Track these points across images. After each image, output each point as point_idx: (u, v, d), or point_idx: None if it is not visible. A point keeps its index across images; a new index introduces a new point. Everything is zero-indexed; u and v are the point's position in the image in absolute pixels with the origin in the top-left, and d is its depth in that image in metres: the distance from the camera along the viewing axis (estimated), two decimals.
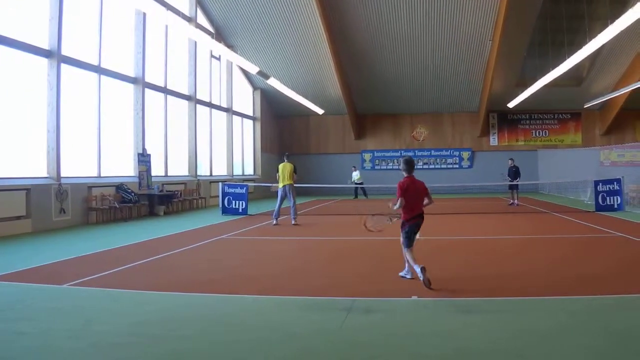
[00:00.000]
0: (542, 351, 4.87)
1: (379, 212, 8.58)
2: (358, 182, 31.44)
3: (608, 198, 19.45)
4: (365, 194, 32.08)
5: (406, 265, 7.94)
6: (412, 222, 7.91)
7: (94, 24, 18.77)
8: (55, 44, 16.28)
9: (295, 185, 16.89)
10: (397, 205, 7.79)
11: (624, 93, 29.52)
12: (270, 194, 33.21)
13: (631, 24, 15.34)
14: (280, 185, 16.58)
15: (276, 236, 14.16)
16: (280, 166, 16.70)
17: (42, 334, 5.51)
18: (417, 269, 7.43)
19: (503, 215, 19.54)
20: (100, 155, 18.97)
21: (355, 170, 32.34)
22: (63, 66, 16.74)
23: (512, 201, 23.52)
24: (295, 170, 16.79)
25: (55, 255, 10.55)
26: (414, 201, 7.88)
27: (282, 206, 16.91)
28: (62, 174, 16.60)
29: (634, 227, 14.63)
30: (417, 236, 8.06)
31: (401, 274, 8.05)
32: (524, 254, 10.73)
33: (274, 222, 16.48)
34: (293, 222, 16.54)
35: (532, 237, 13.25)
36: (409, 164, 8.08)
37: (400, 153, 36.89)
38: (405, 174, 8.02)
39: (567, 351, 4.85)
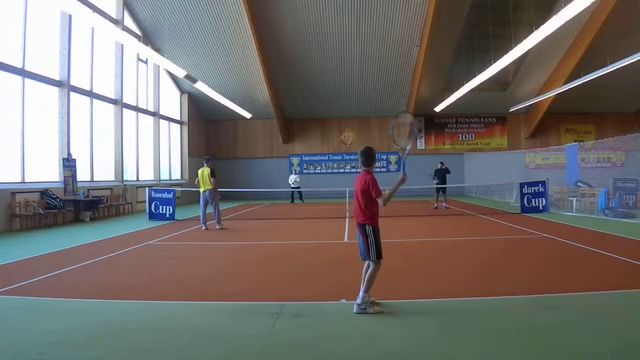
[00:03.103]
0: (466, 351, 5.10)
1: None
2: (295, 186, 31.56)
3: (533, 200, 20.29)
4: (301, 197, 32.27)
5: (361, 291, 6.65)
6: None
7: (17, 26, 18.22)
8: None
9: (219, 189, 16.89)
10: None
11: (548, 97, 30.92)
12: (196, 199, 33.04)
13: (555, 30, 16.04)
14: (201, 190, 16.63)
15: (204, 241, 14.07)
16: (199, 171, 16.72)
17: None
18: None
19: (430, 217, 19.89)
20: (24, 160, 18.38)
21: (294, 174, 32.47)
22: None
23: (436, 204, 23.89)
24: (213, 174, 16.67)
25: None
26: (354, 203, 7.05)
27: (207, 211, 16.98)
28: None
29: (558, 227, 15.31)
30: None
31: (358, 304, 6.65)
32: (450, 256, 10.93)
33: (203, 227, 16.51)
34: (218, 227, 16.61)
35: (459, 239, 13.55)
36: (362, 155, 7.09)
37: (328, 157, 37.50)
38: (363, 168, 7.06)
39: (490, 350, 5.08)
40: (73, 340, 5.57)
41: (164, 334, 5.83)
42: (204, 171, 16.58)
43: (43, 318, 6.49)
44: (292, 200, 32.02)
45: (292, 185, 31.72)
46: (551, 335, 5.48)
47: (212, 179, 16.59)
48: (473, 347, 5.18)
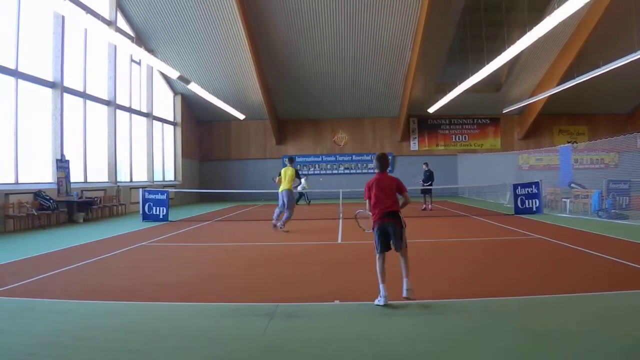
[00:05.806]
0: (462, 354, 5.00)
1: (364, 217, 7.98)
2: (302, 189, 31.00)
3: (527, 201, 20.25)
4: (304, 199, 31.70)
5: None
6: (380, 222, 7.11)
7: (11, 27, 18.23)
8: None
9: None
10: (366, 209, 7.42)
11: (541, 99, 31.05)
12: (190, 200, 33.10)
13: (548, 31, 16.09)
14: (281, 189, 16.22)
15: (197, 242, 14.01)
16: (283, 170, 16.33)
17: None
18: (382, 290, 6.84)
19: (422, 219, 19.69)
20: (17, 161, 18.42)
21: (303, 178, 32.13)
22: None
23: (424, 205, 23.91)
24: (298, 175, 16.58)
25: None
26: (379, 199, 7.14)
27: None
28: None
29: (552, 229, 15.25)
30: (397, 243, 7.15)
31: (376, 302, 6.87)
32: (443, 257, 10.85)
33: (279, 224, 16.19)
34: (280, 225, 16.14)
35: (452, 240, 13.49)
36: (378, 160, 7.40)
37: (322, 158, 37.59)
38: (376, 171, 7.40)
39: (487, 353, 5.00)
40: (64, 341, 5.53)
41: (155, 335, 5.76)
42: (288, 171, 16.22)
43: (34, 319, 6.42)
44: (309, 202, 31.31)
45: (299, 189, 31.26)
46: (546, 337, 5.40)
47: (300, 180, 16.25)
48: (469, 350, 5.11)
